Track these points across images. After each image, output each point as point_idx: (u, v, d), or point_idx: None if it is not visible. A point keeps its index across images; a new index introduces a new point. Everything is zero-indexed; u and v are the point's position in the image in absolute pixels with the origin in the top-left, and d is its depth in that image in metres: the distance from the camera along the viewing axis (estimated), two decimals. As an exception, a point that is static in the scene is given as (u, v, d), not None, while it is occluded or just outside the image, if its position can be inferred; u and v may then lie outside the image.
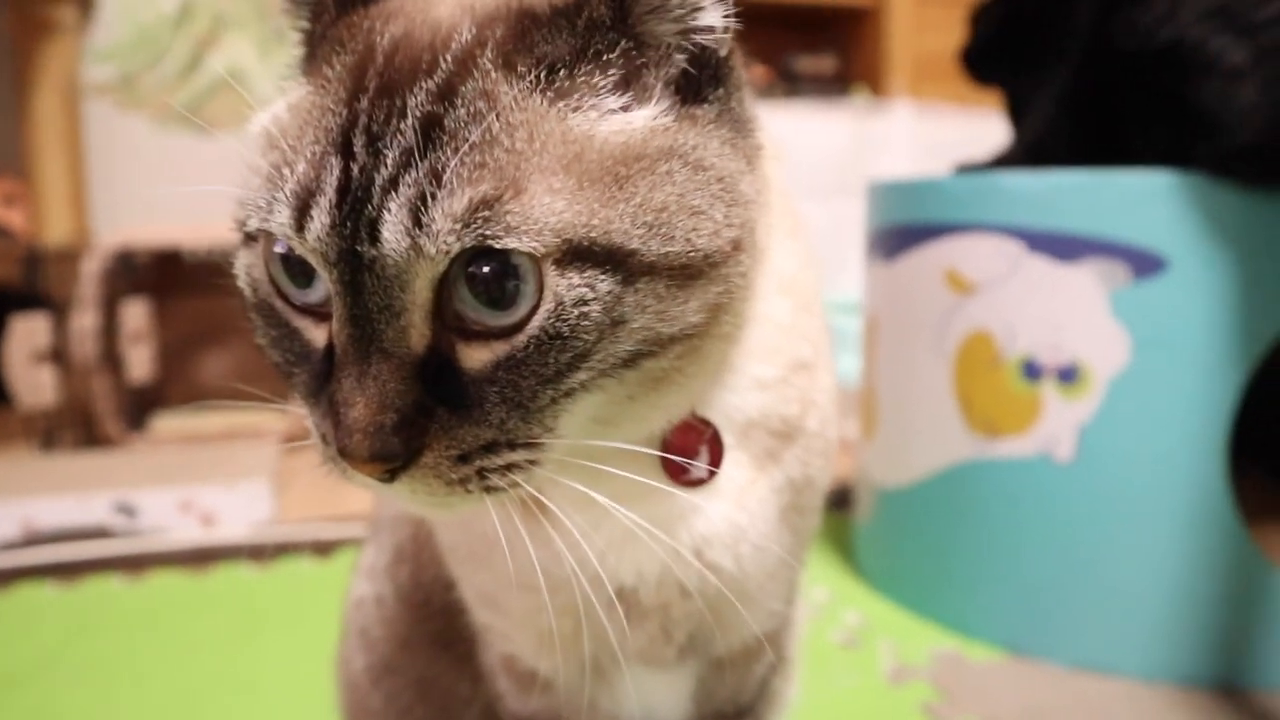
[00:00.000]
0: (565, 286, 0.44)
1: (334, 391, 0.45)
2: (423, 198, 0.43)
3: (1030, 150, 1.50)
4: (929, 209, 1.42)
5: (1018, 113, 1.62)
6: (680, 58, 0.50)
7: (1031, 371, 1.29)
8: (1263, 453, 1.43)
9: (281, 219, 0.45)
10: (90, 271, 2.32)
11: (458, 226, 0.42)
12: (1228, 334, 1.18)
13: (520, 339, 0.45)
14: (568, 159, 0.45)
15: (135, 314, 2.56)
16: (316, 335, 0.49)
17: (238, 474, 1.92)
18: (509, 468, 0.47)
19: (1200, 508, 1.22)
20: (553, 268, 0.44)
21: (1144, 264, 1.20)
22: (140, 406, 2.59)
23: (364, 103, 0.45)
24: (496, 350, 0.46)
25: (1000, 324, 1.32)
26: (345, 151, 0.45)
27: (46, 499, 1.79)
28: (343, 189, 0.44)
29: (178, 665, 1.34)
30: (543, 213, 0.43)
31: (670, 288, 0.46)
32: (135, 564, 1.68)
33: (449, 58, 0.46)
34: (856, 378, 1.69)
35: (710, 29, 0.49)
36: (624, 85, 0.48)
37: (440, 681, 0.79)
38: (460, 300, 0.45)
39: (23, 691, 1.26)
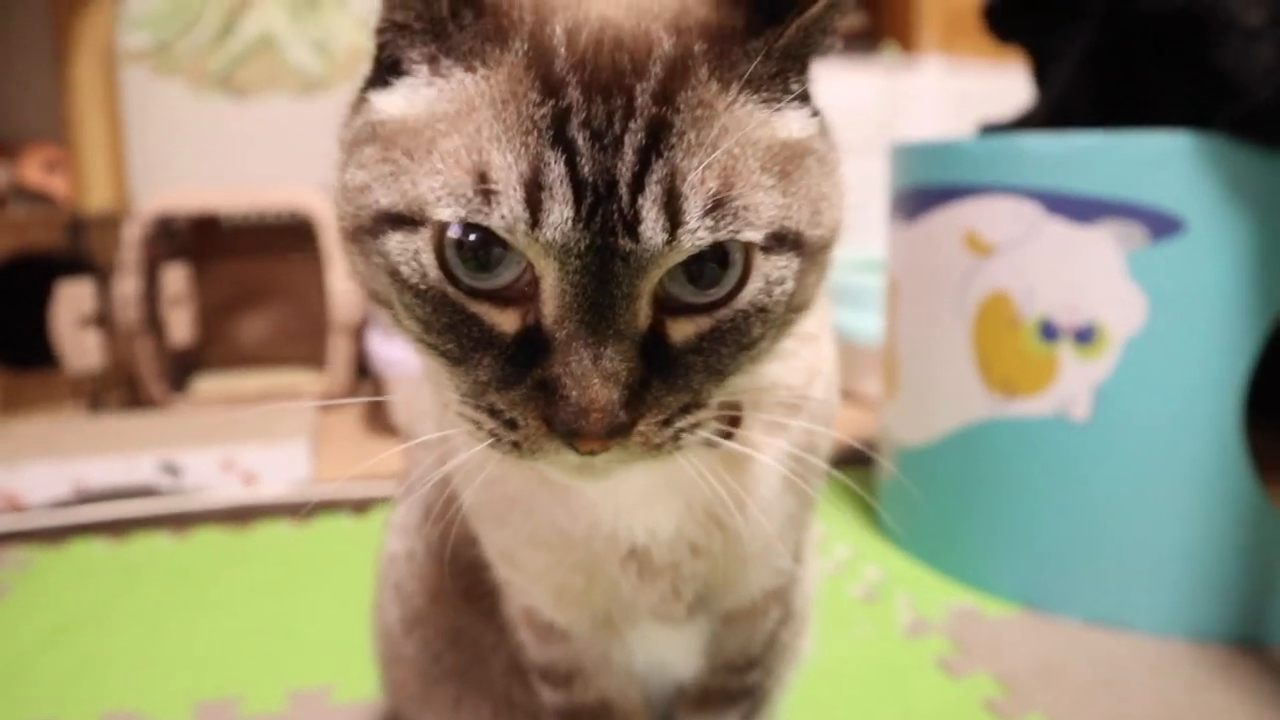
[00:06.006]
0: (771, 267, 0.51)
1: (559, 375, 0.47)
2: (673, 195, 0.46)
3: (1053, 111, 1.49)
4: (948, 171, 1.42)
5: (1041, 72, 1.61)
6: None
7: (1049, 332, 1.31)
8: (1278, 409, 1.43)
9: (506, 211, 0.45)
10: (131, 237, 2.37)
11: (709, 222, 0.47)
12: (1244, 295, 1.19)
13: (726, 312, 0.51)
14: (765, 159, 0.50)
15: (175, 278, 2.61)
16: (501, 320, 0.49)
17: (277, 434, 1.97)
18: (697, 425, 0.53)
19: (1215, 466, 1.24)
20: (760, 252, 0.50)
21: (1161, 225, 1.21)
22: (182, 369, 2.66)
23: (570, 99, 0.46)
24: (700, 324, 0.51)
25: (1019, 285, 1.34)
26: (564, 145, 0.46)
27: (95, 459, 1.85)
28: (577, 183, 0.45)
29: (220, 617, 1.40)
30: (761, 206, 0.49)
31: (814, 265, 0.54)
32: (180, 521, 1.75)
33: (658, 64, 0.47)
34: (880, 336, 1.70)
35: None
36: (787, 93, 0.53)
37: (468, 632, 0.84)
38: (672, 280, 0.49)
39: (77, 640, 1.33)
